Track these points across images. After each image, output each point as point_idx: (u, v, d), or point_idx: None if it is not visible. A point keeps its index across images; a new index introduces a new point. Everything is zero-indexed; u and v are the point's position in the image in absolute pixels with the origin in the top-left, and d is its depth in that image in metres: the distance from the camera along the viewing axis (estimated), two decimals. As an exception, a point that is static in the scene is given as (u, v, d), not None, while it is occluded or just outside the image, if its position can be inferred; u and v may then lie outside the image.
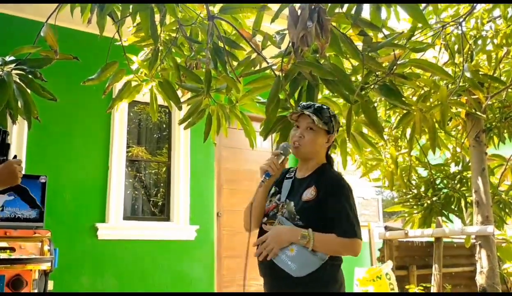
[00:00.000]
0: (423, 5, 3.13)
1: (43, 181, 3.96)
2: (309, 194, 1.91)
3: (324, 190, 1.90)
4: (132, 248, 5.22)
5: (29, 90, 2.20)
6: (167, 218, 5.67)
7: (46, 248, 3.75)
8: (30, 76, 2.14)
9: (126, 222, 5.34)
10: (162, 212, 5.79)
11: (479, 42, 3.34)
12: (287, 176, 2.07)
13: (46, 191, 4.03)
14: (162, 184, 5.95)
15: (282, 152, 1.97)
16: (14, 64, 2.12)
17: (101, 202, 5.15)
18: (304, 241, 1.80)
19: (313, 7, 1.78)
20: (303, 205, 1.89)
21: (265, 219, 1.98)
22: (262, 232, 1.97)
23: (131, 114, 5.80)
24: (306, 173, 2.01)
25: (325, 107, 1.96)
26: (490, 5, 3.09)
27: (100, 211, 5.13)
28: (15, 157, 1.81)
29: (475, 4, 2.73)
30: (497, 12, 3.25)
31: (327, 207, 1.87)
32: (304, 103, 1.99)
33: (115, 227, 5.18)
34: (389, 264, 4.57)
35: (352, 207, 1.91)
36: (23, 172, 1.79)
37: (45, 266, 3.65)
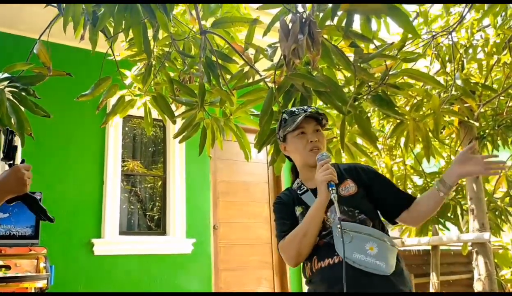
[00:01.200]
0: (413, 15, 3.17)
1: (38, 197, 3.94)
2: (348, 188, 1.85)
3: (359, 177, 1.88)
4: (128, 263, 5.19)
5: (22, 108, 2.20)
6: (164, 232, 5.65)
7: (42, 265, 3.72)
8: (23, 93, 2.14)
9: (122, 236, 5.31)
10: (158, 226, 5.76)
11: (470, 51, 3.37)
12: (298, 192, 1.92)
13: (41, 207, 4.01)
14: (158, 198, 5.94)
15: (328, 159, 1.80)
16: (7, 82, 2.12)
17: (96, 217, 5.12)
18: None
19: (303, 20, 1.80)
20: (350, 199, 1.81)
21: (318, 239, 1.80)
22: (321, 250, 1.80)
23: (126, 129, 5.80)
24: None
25: (315, 107, 1.97)
26: (480, 15, 3.13)
27: (95, 226, 5.10)
28: (23, 161, 1.56)
29: (464, 14, 2.76)
30: (486, 21, 3.29)
31: (373, 190, 1.87)
32: (302, 107, 1.93)
33: (111, 242, 5.15)
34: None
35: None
36: (31, 179, 1.56)
37: (41, 283, 3.63)
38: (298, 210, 1.88)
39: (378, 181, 1.92)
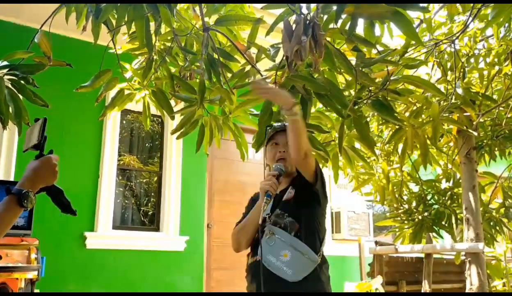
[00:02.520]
0: (417, 22, 3.17)
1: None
2: (288, 193, 2.12)
3: (299, 182, 2.13)
4: (120, 257, 5.17)
5: (20, 96, 2.19)
6: (157, 228, 5.64)
7: (33, 256, 3.69)
8: (22, 82, 2.13)
9: (115, 231, 5.29)
10: (152, 222, 5.75)
11: (472, 60, 3.37)
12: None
13: (35, 198, 3.99)
14: (153, 194, 5.92)
15: (278, 172, 2.06)
16: (6, 70, 2.11)
17: (90, 210, 5.11)
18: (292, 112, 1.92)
19: (307, 22, 1.79)
20: (286, 204, 2.09)
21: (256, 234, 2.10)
22: (253, 248, 2.12)
23: (124, 122, 5.78)
24: (284, 185, 2.17)
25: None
26: (483, 24, 3.13)
27: (89, 219, 5.08)
28: (51, 151, 1.53)
29: (468, 23, 2.76)
30: (489, 31, 3.29)
31: (301, 185, 2.10)
32: (276, 124, 2.19)
33: (104, 236, 5.13)
34: (379, 279, 4.56)
35: None
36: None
37: (32, 274, 3.60)
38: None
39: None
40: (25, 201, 1.33)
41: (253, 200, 2.28)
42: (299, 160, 2.02)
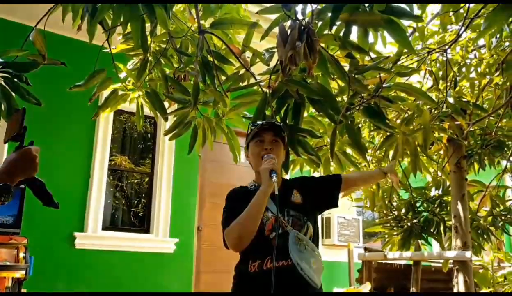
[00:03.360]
0: (410, 30, 3.20)
1: (22, 186, 3.89)
2: (296, 197, 2.08)
3: (304, 186, 2.15)
4: (109, 258, 5.15)
5: (13, 94, 2.18)
6: (147, 230, 5.62)
7: (21, 255, 3.68)
8: (15, 80, 2.12)
9: (105, 232, 5.27)
10: (142, 223, 5.73)
11: (463, 69, 3.41)
12: (251, 188, 2.15)
13: (25, 197, 3.96)
14: (143, 195, 5.91)
15: (272, 158, 1.99)
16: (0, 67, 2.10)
17: (80, 210, 5.08)
18: None
19: (302, 27, 1.81)
20: (297, 206, 2.04)
21: (273, 234, 1.93)
22: (265, 245, 1.93)
23: (116, 123, 5.76)
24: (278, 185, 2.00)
25: (277, 122, 2.14)
26: (475, 34, 3.17)
27: (78, 219, 5.06)
28: (31, 143, 1.45)
29: (460, 33, 2.80)
30: (481, 41, 3.33)
31: (316, 191, 2.14)
32: (261, 122, 2.11)
33: (93, 236, 5.11)
34: (367, 285, 4.58)
35: None
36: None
37: (19, 273, 3.58)
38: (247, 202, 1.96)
39: (315, 181, 2.25)
40: (2, 195, 1.27)
41: (236, 194, 2.15)
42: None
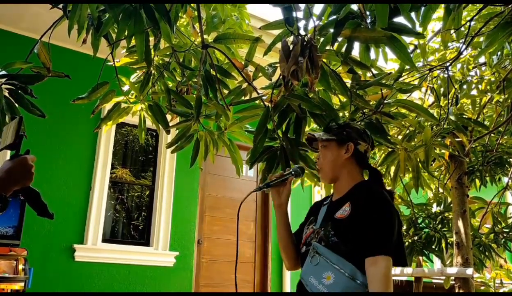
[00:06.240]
0: (411, 48, 3.23)
1: (22, 198, 3.89)
2: (342, 210, 1.78)
3: (357, 201, 1.77)
4: (109, 271, 5.13)
5: (17, 106, 2.19)
6: (147, 243, 5.60)
7: (21, 267, 3.66)
8: (20, 91, 2.13)
9: (105, 244, 5.25)
10: (142, 236, 5.71)
11: (464, 86, 3.43)
12: (324, 203, 1.97)
13: (25, 208, 3.96)
14: (144, 208, 5.89)
15: (293, 172, 1.92)
16: (4, 79, 2.12)
17: (80, 222, 5.07)
18: None
19: (305, 43, 1.82)
20: (336, 221, 1.77)
21: (304, 248, 1.87)
22: (300, 259, 1.91)
23: (118, 135, 5.78)
24: (341, 193, 1.88)
25: (334, 122, 2.00)
26: (476, 52, 3.19)
27: (79, 232, 5.05)
28: (28, 152, 1.43)
29: (462, 50, 2.82)
30: (482, 59, 3.36)
31: (358, 221, 1.71)
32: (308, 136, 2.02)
33: (93, 248, 5.09)
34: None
35: (387, 222, 1.70)
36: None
37: (18, 285, 3.56)
38: (311, 218, 1.97)
39: (364, 215, 1.73)
40: None
41: (309, 211, 2.05)
42: None
